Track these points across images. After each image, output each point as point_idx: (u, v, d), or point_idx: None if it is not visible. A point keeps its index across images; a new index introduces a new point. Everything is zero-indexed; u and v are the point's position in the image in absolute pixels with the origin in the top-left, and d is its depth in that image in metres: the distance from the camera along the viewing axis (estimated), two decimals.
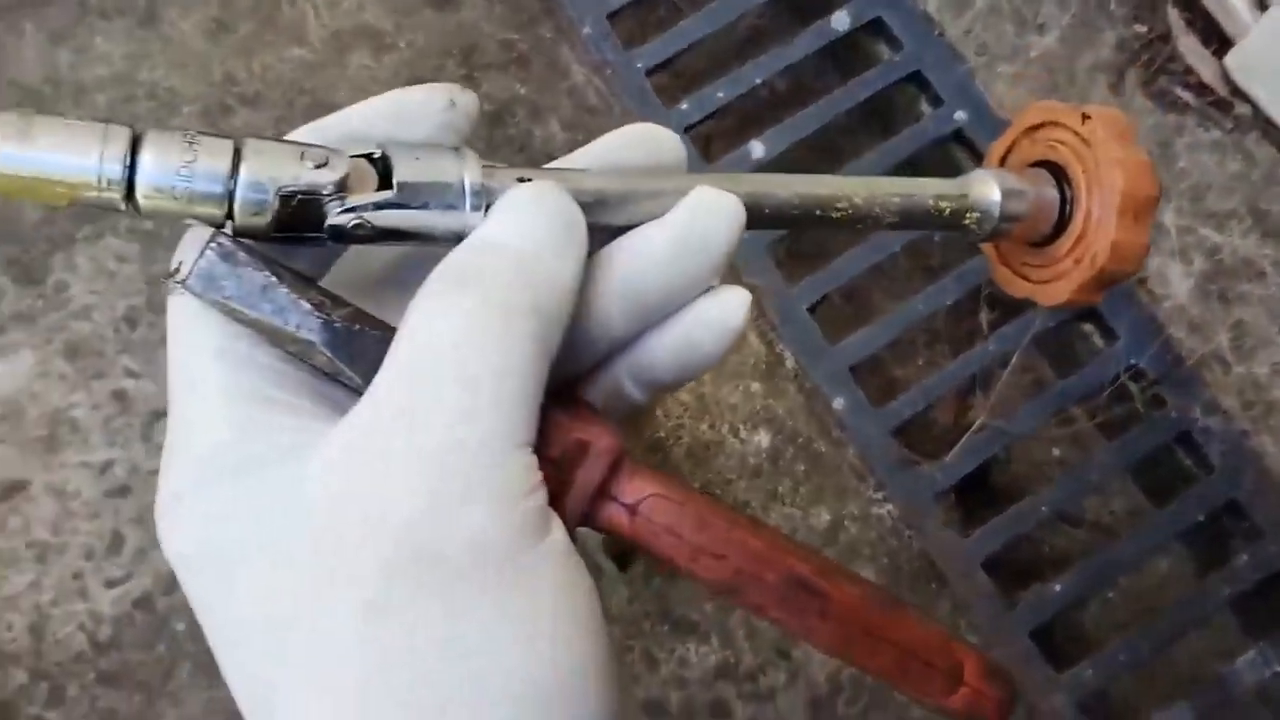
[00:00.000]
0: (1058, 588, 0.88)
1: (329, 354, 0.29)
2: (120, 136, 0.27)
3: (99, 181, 0.27)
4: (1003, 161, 0.47)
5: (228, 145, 0.28)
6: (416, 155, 0.30)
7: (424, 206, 0.30)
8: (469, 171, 0.30)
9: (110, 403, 0.88)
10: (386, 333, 0.29)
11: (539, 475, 0.29)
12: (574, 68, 0.97)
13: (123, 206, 0.28)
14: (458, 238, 0.30)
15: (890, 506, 0.91)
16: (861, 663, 0.32)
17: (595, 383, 0.34)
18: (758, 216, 0.34)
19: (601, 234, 0.32)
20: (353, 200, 0.29)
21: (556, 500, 0.30)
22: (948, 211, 0.39)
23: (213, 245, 0.28)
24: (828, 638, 0.32)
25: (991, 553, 0.89)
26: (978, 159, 0.98)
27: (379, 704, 0.26)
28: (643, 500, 0.32)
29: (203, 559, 0.29)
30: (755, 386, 0.92)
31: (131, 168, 0.27)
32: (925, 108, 1.00)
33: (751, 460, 0.92)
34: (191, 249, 0.29)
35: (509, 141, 0.95)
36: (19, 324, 0.89)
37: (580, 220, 0.31)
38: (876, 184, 0.38)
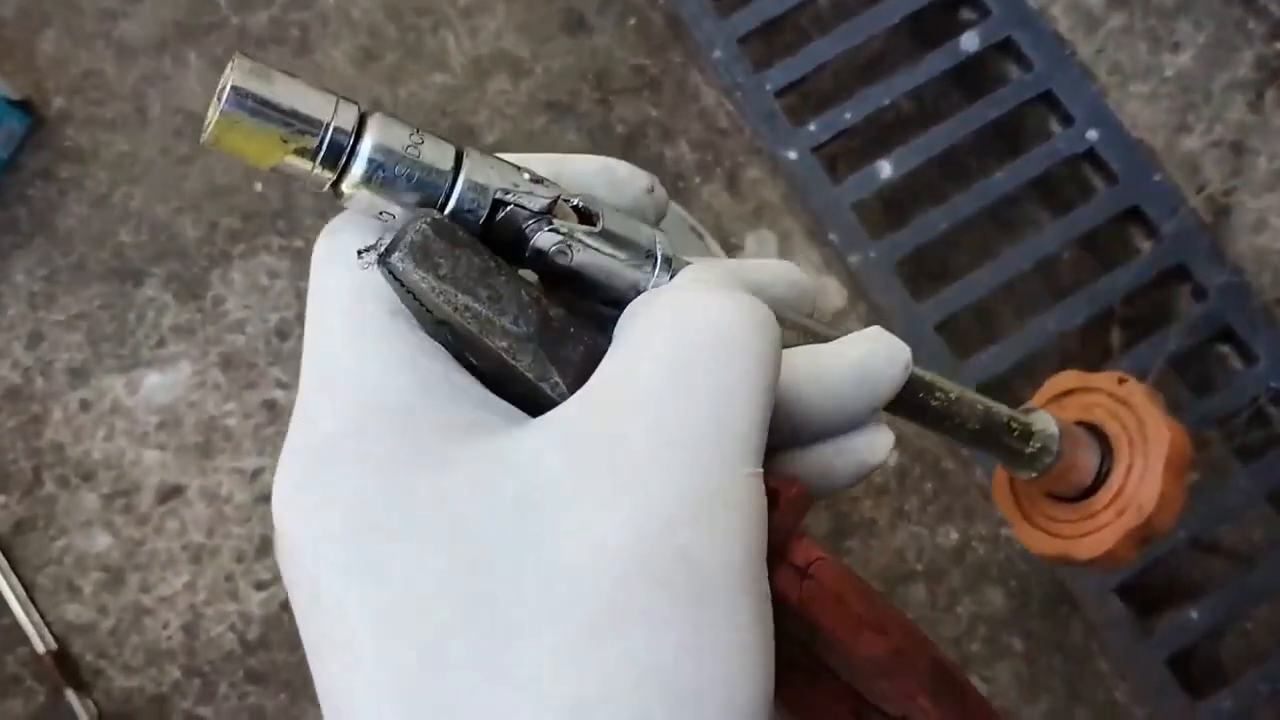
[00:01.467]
0: (1194, 615, 0.87)
1: (542, 352, 0.26)
2: (351, 109, 0.26)
3: (322, 143, 0.25)
4: None
5: (451, 146, 0.27)
6: (619, 211, 0.30)
7: (618, 254, 0.29)
8: (662, 244, 0.30)
9: (261, 412, 0.92)
10: (597, 342, 0.27)
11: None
12: (704, 90, 0.99)
13: (329, 177, 0.26)
14: (618, 292, 0.29)
15: None
16: None
17: None
18: None
19: None
20: (560, 224, 0.28)
21: None
22: (1017, 433, 0.41)
23: (429, 222, 0.26)
24: None
25: (1125, 578, 0.88)
26: (1110, 180, 0.97)
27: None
28: (813, 563, 0.28)
29: (366, 537, 0.24)
30: None
31: (356, 138, 0.26)
32: (1055, 127, 1.00)
33: (878, 478, 0.92)
34: (381, 226, 0.27)
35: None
36: (179, 336, 0.94)
37: None
38: (968, 391, 0.39)
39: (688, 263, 0.31)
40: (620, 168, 0.32)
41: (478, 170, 0.27)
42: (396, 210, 0.27)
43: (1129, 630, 0.87)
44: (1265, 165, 0.95)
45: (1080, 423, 0.46)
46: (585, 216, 0.29)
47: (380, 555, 0.23)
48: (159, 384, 0.93)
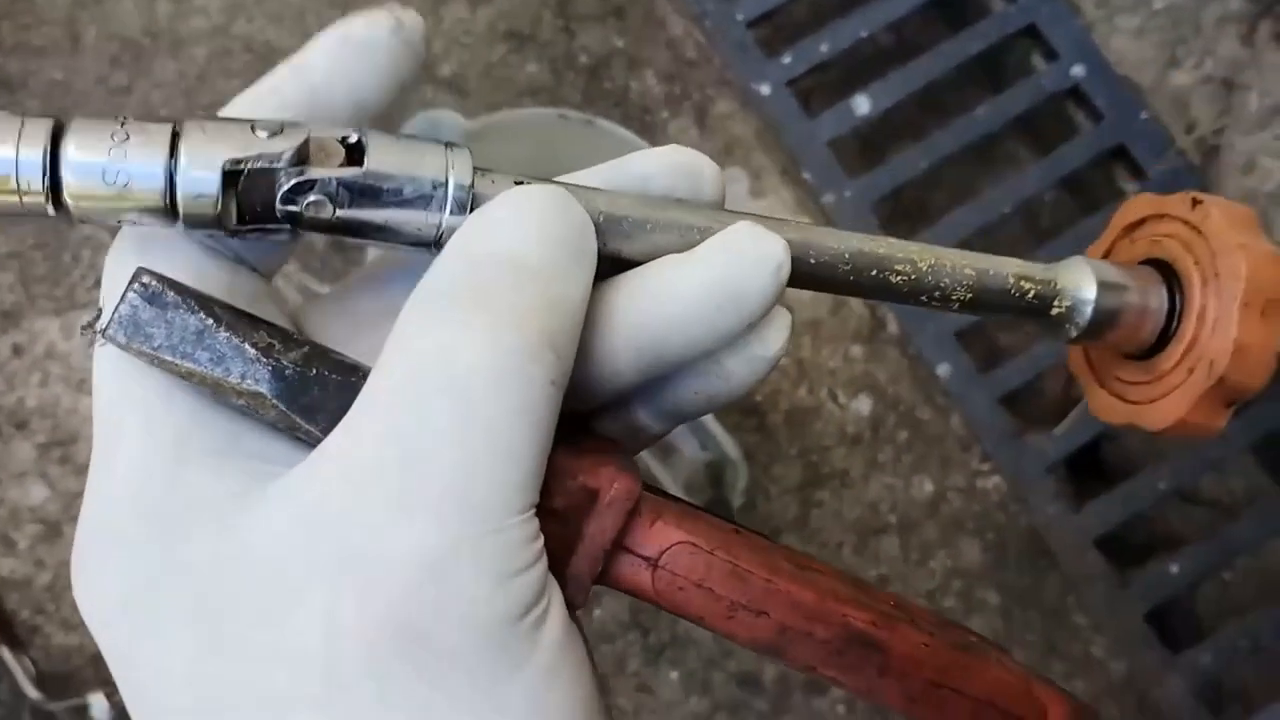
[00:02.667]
0: (1174, 568, 0.84)
1: (281, 406, 0.25)
2: (39, 127, 0.24)
3: (17, 178, 0.23)
4: None
5: (165, 127, 0.25)
6: (396, 140, 0.26)
7: (397, 194, 0.26)
8: (456, 169, 0.26)
9: None
10: (351, 376, 0.26)
11: (539, 543, 0.25)
12: (672, 19, 0.94)
13: (51, 209, 0.24)
14: (433, 243, 0.26)
15: (997, 479, 0.88)
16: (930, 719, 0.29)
17: (604, 420, 0.30)
18: (801, 271, 0.30)
19: (608, 265, 0.28)
20: (313, 172, 0.25)
21: (561, 560, 0.26)
22: (1031, 295, 0.34)
23: (135, 286, 0.25)
24: (890, 696, 0.28)
25: (1104, 530, 0.85)
26: (1095, 118, 0.93)
27: None
28: (665, 551, 0.27)
29: (124, 620, 0.25)
30: (856, 350, 0.89)
31: (54, 160, 0.24)
32: (1039, 62, 0.95)
33: (851, 428, 0.89)
34: (114, 291, 0.26)
35: (605, 96, 0.92)
36: None
37: (593, 234, 0.27)
38: (947, 253, 0.32)
39: (516, 182, 0.27)
40: (354, 28, 0.27)
41: (198, 143, 0.25)
42: (131, 217, 0.25)
43: (1107, 583, 0.84)
44: (1257, 102, 0.92)
45: (1151, 260, 0.37)
46: (355, 154, 0.26)
47: (130, 640, 0.25)
48: None
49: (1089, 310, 0.35)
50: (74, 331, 0.88)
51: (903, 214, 0.94)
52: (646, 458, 0.80)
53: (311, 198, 0.25)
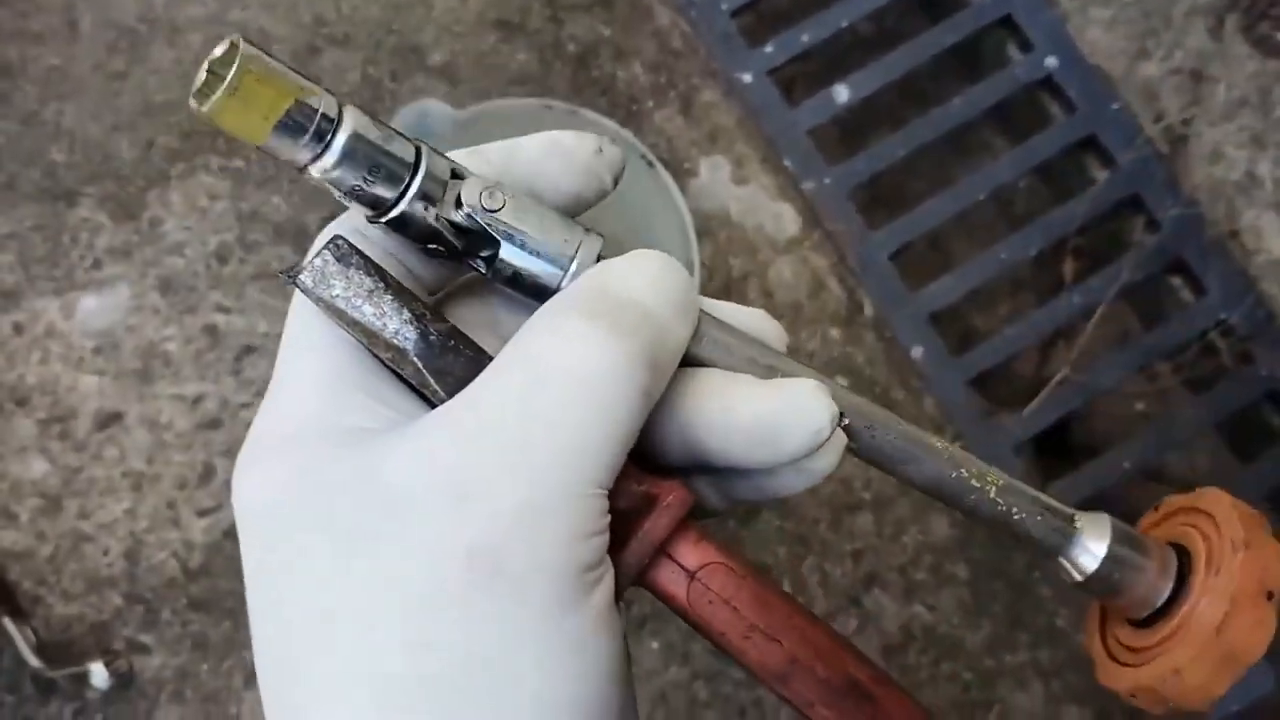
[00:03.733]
0: None
1: (420, 364, 0.30)
2: (331, 98, 0.29)
3: (314, 120, 0.28)
4: None
5: (409, 143, 0.30)
6: (539, 205, 0.32)
7: (536, 253, 0.31)
8: (586, 247, 0.31)
9: (201, 337, 0.90)
10: (479, 355, 0.30)
11: (607, 519, 0.29)
12: (658, 9, 0.97)
13: (312, 154, 0.28)
14: (547, 291, 0.31)
15: None
16: None
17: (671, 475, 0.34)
18: (860, 440, 0.33)
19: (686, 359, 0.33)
20: (467, 194, 0.31)
21: (614, 552, 0.30)
22: (1052, 515, 0.36)
23: (329, 246, 0.30)
24: None
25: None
26: (1068, 108, 0.96)
27: (408, 698, 0.27)
28: (704, 567, 0.30)
29: (268, 520, 0.29)
30: (834, 333, 0.92)
31: (339, 123, 0.29)
32: (1015, 53, 0.98)
33: None
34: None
35: (593, 84, 0.94)
36: (115, 258, 0.91)
37: (696, 296, 0.32)
38: (984, 464, 0.35)
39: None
40: (566, 138, 0.33)
41: (434, 161, 0.30)
42: (354, 186, 0.29)
43: None
44: (1224, 94, 0.94)
45: (1168, 543, 0.40)
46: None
47: (274, 537, 0.29)
48: (95, 307, 0.90)
49: (1098, 558, 0.37)
50: (73, 311, 0.90)
51: (880, 201, 0.96)
52: None
53: (481, 212, 0.31)
